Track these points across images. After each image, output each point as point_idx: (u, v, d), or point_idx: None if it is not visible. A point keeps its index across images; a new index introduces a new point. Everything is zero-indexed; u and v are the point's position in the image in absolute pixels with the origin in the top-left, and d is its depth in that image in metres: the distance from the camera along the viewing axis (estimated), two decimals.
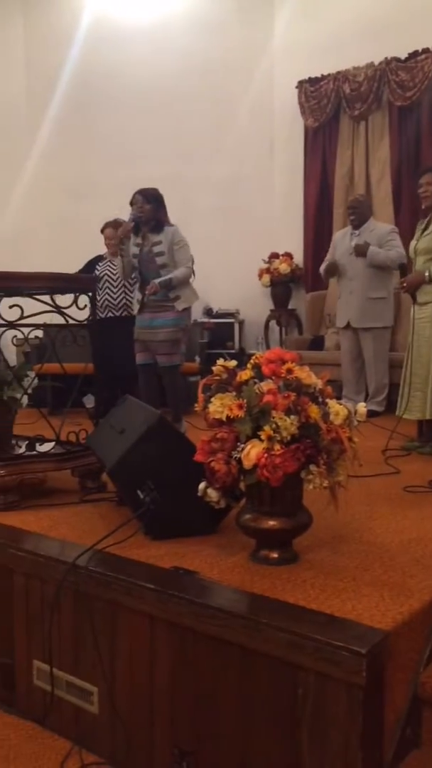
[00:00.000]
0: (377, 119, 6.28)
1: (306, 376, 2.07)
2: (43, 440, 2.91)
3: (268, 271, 6.80)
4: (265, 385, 2.01)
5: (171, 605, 1.84)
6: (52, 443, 2.97)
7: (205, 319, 6.85)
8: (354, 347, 5.25)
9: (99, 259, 5.41)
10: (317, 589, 1.86)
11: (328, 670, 1.55)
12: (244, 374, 2.05)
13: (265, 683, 1.69)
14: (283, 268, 6.72)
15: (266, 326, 6.97)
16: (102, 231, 5.40)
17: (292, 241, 6.86)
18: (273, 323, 7.00)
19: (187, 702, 1.85)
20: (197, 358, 6.06)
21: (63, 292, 2.89)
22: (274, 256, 6.86)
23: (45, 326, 2.81)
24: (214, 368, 2.11)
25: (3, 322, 2.71)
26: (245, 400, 1.96)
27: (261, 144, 6.98)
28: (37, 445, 2.92)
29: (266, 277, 6.80)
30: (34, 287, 2.79)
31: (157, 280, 4.27)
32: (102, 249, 5.48)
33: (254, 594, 1.82)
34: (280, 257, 6.82)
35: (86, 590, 2.04)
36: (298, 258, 6.87)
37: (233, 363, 2.10)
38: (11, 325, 2.75)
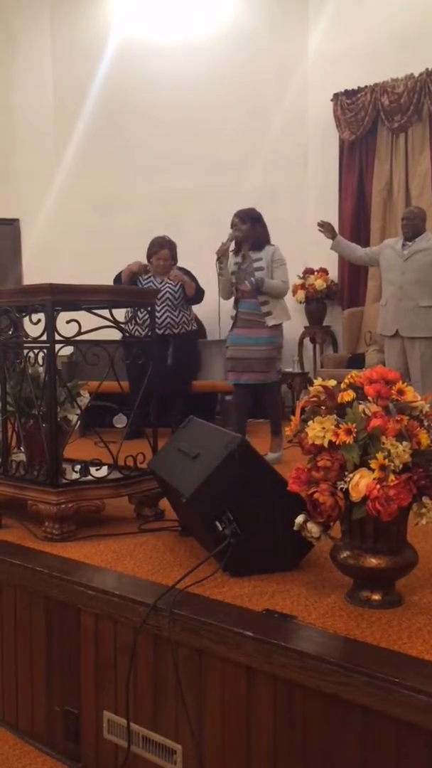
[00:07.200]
0: (417, 132, 6.09)
1: (413, 397, 1.88)
2: (99, 464, 2.70)
3: (302, 287, 6.58)
4: (372, 407, 1.81)
5: (276, 657, 1.62)
6: (106, 468, 2.76)
7: None
8: (402, 359, 4.94)
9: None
10: None
11: None
12: (347, 395, 1.85)
13: (393, 753, 1.47)
14: (319, 284, 6.50)
15: (300, 344, 6.76)
16: (154, 251, 5.15)
17: (326, 256, 6.65)
18: (307, 341, 6.79)
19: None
20: None
21: (123, 306, 2.70)
22: (309, 271, 6.65)
23: (103, 343, 2.60)
24: (311, 388, 1.90)
25: (60, 338, 2.53)
26: (354, 425, 1.75)
27: (294, 158, 6.81)
28: (92, 469, 2.71)
29: (301, 294, 6.58)
30: (94, 301, 2.60)
31: (250, 278, 4.19)
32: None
33: (374, 646, 1.60)
34: (316, 273, 6.61)
35: (169, 636, 1.83)
36: (333, 274, 6.67)
37: (333, 382, 1.89)
38: (68, 341, 2.56)
